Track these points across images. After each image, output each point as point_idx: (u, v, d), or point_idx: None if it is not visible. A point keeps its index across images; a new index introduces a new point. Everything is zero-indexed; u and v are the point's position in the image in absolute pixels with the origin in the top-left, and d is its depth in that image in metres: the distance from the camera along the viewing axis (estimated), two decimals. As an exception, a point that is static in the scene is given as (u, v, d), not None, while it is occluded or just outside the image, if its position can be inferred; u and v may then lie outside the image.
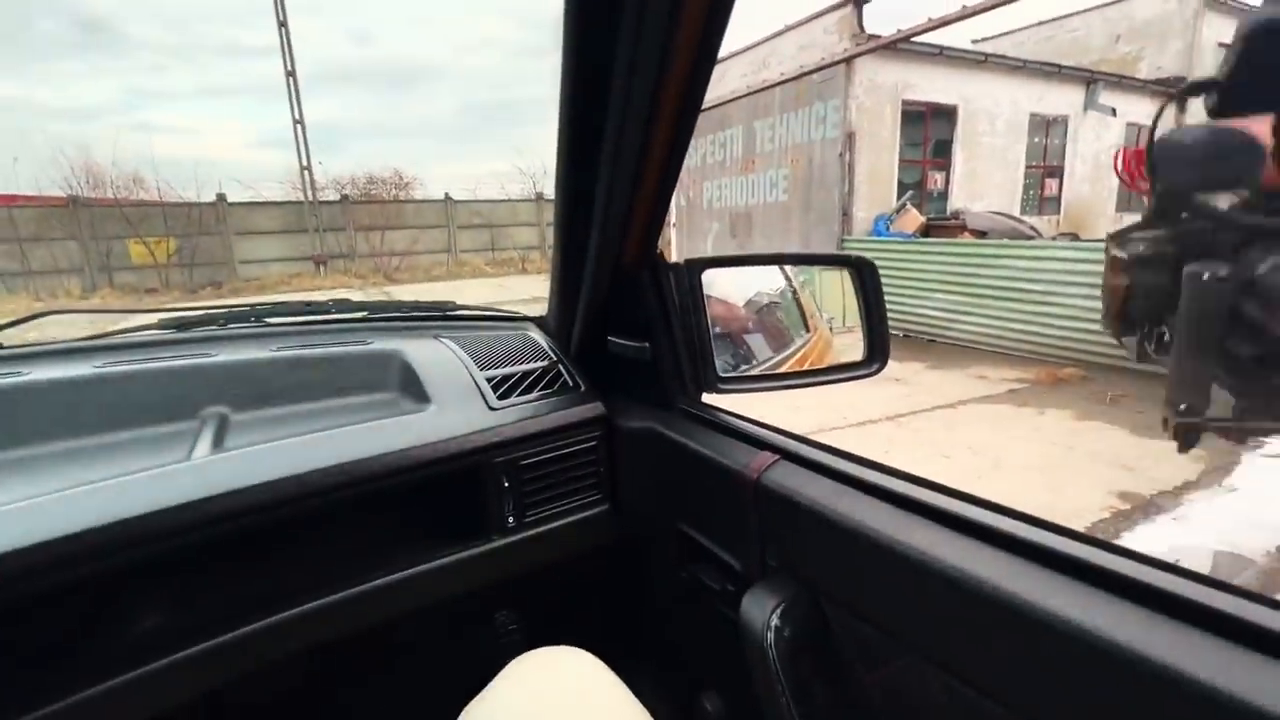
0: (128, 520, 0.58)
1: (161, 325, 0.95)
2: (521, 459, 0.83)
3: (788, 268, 1.67)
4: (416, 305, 1.11)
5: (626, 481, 0.91)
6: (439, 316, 1.09)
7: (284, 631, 0.70)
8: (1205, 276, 0.84)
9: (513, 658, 1.04)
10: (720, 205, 10.74)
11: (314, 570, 0.75)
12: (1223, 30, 11.46)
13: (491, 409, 0.84)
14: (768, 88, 9.13)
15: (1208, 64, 11.62)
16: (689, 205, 11.56)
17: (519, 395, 0.88)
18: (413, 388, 0.87)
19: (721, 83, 10.21)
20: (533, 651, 0.66)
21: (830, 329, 1.69)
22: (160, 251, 12.96)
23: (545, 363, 0.95)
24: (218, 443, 0.73)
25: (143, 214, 12.95)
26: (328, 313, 1.04)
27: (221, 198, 13.74)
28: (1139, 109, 11.21)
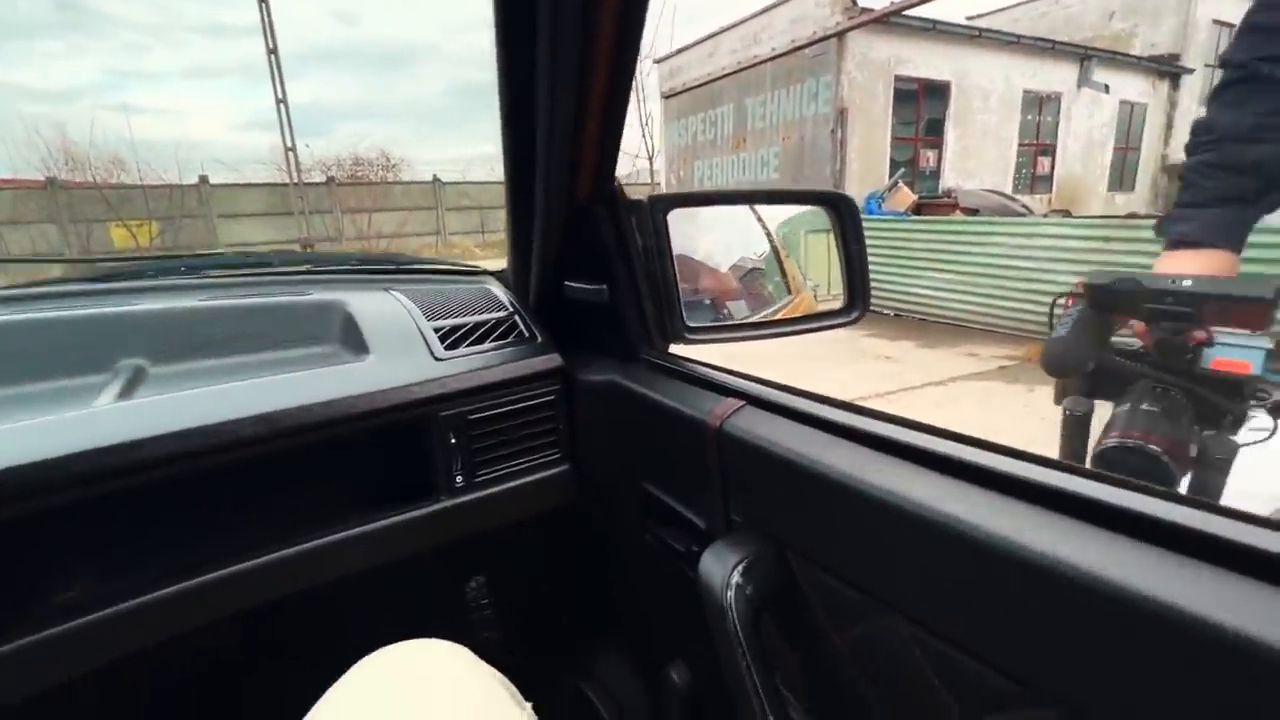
0: None
1: (81, 277, 0.88)
2: (470, 413, 0.76)
3: (772, 230, 1.61)
4: (367, 258, 1.04)
5: (587, 438, 0.85)
6: (391, 269, 1.02)
7: (207, 595, 0.64)
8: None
9: (477, 630, 0.99)
10: (711, 184, 10.62)
11: (240, 531, 0.68)
12: (1217, 8, 11.35)
13: (437, 359, 0.77)
14: (759, 63, 8.99)
15: (1201, 40, 11.53)
16: (680, 185, 11.44)
17: (468, 346, 0.81)
18: (353, 339, 0.80)
19: (712, 59, 10.04)
20: (387, 648, 0.56)
21: (815, 296, 1.64)
22: (142, 235, 12.70)
23: (501, 314, 0.88)
24: (125, 395, 0.66)
25: (123, 196, 12.67)
26: (269, 265, 0.97)
27: (204, 179, 13.47)
28: (1133, 86, 11.14)
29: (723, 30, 9.91)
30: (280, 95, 13.28)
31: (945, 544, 0.39)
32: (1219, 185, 0.79)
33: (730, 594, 0.54)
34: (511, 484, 0.81)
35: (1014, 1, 12.79)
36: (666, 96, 11.46)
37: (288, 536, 0.70)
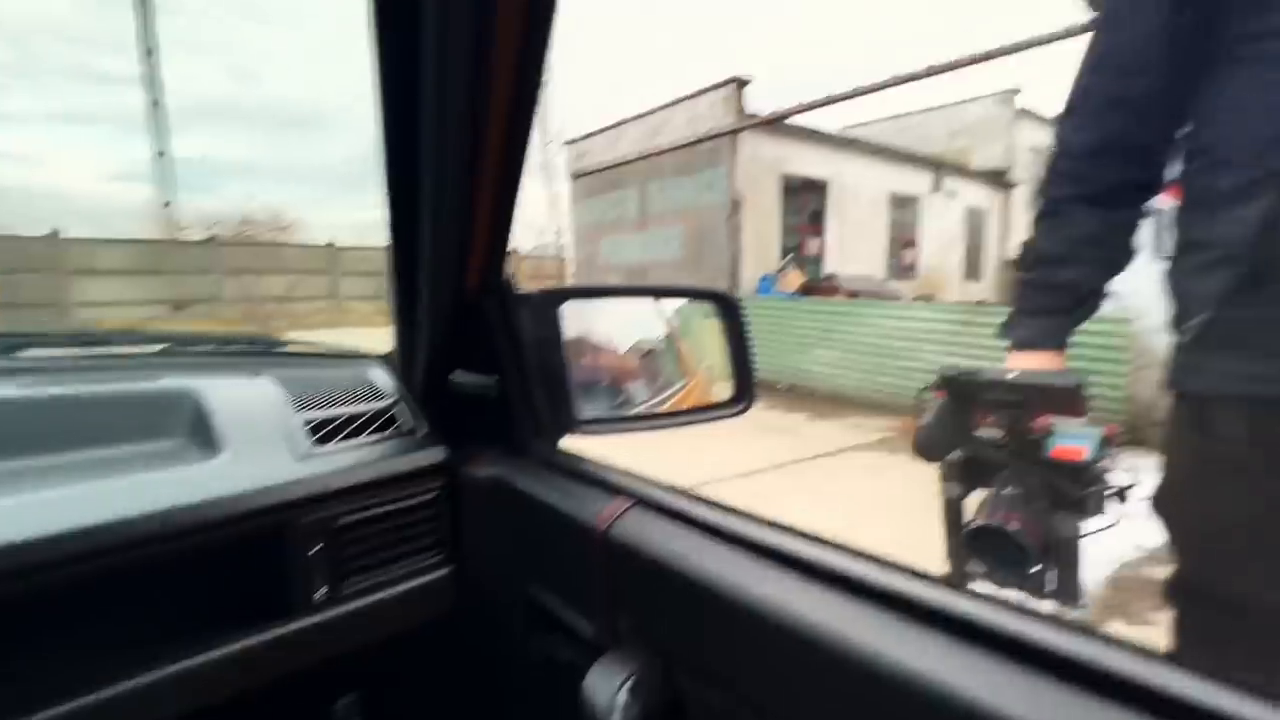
0: None
1: None
2: (340, 516, 0.69)
3: (668, 315, 1.67)
4: (234, 338, 0.95)
5: (471, 540, 0.79)
6: (261, 352, 0.93)
7: None
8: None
9: None
10: (618, 260, 10.98)
11: (42, 674, 0.56)
12: (1033, 137, 13.67)
13: (303, 457, 0.70)
14: (660, 153, 9.62)
15: (1025, 160, 13.77)
16: (588, 260, 11.73)
17: (341, 440, 0.74)
18: (202, 434, 0.71)
19: (617, 146, 10.64)
20: None
21: (711, 374, 1.69)
22: (-34, 289, 11.05)
23: (383, 404, 0.82)
24: None
25: (-52, 247, 11.08)
26: (108, 344, 0.85)
27: (55, 233, 12.11)
28: (975, 194, 13.01)
29: (627, 121, 10.59)
30: (160, 147, 12.44)
31: (829, 662, 0.39)
32: (1042, 299, 0.93)
33: (616, 717, 0.50)
34: (386, 593, 0.73)
35: (881, 116, 14.72)
36: (575, 176, 11.92)
37: (104, 676, 0.57)
